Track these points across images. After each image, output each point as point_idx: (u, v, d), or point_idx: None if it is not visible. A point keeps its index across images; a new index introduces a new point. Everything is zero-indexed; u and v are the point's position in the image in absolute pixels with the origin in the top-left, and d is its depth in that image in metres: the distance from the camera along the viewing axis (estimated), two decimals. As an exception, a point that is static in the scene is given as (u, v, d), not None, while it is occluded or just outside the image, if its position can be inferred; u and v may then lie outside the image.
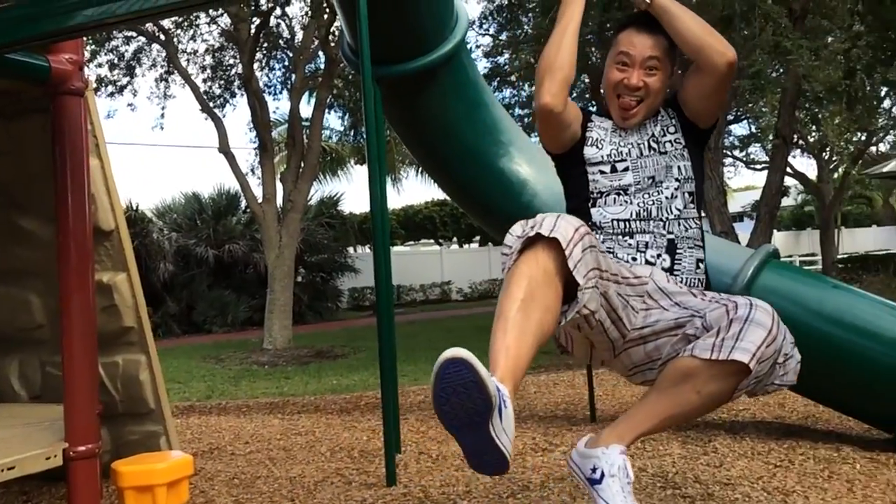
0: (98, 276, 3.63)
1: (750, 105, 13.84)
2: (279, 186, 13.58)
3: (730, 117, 17.18)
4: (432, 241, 32.09)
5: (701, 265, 2.12)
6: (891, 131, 22.82)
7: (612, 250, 2.04)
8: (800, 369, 1.96)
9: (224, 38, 15.02)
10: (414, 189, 45.29)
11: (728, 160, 24.50)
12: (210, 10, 13.88)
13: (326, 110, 14.39)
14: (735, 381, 1.72)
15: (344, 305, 23.85)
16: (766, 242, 8.85)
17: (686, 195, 2.08)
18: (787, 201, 33.27)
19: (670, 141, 2.11)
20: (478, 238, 30.99)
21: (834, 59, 9.25)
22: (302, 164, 13.45)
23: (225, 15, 13.94)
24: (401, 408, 6.68)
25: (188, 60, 15.50)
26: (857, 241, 31.54)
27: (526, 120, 17.06)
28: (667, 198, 2.05)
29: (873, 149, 23.91)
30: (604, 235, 2.07)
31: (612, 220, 2.07)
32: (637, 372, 2.07)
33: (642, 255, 2.03)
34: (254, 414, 7.23)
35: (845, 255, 23.54)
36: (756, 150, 23.84)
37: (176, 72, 14.70)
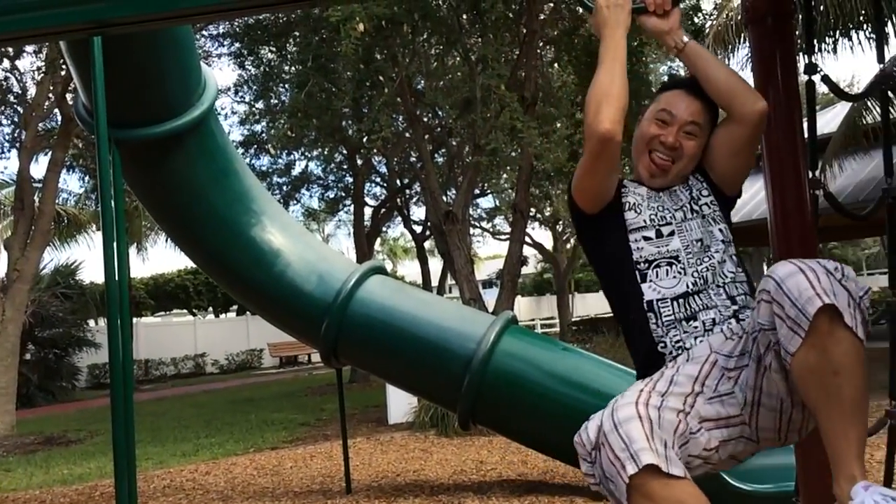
0: None
1: (493, 180, 14.93)
2: (3, 254, 12.18)
3: (476, 191, 18.44)
4: (185, 310, 30.42)
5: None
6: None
7: (681, 343, 1.85)
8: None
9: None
10: (164, 257, 42.68)
11: (476, 231, 26.22)
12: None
13: (64, 171, 13.23)
14: (840, 328, 1.54)
15: (82, 384, 21.68)
16: (509, 308, 9.50)
17: (734, 258, 1.95)
18: (528, 269, 36.09)
19: (706, 204, 1.98)
20: (235, 307, 29.90)
21: (561, 142, 10.36)
22: (32, 230, 12.22)
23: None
24: (143, 495, 6.14)
25: None
26: (588, 305, 34.94)
27: (284, 188, 16.97)
28: (718, 262, 1.91)
29: (599, 223, 26.81)
30: (666, 326, 1.87)
31: (671, 301, 1.88)
32: (787, 427, 1.82)
33: (710, 333, 1.84)
34: (-40, 517, 6.24)
35: (578, 318, 25.98)
36: (500, 222, 25.81)
37: None
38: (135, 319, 23.34)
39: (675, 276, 1.89)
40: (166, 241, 24.37)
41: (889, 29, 10.42)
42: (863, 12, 10.54)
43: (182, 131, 4.79)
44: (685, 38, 1.99)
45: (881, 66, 2.33)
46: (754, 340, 1.70)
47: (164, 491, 6.47)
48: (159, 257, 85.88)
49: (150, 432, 10.53)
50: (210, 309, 30.47)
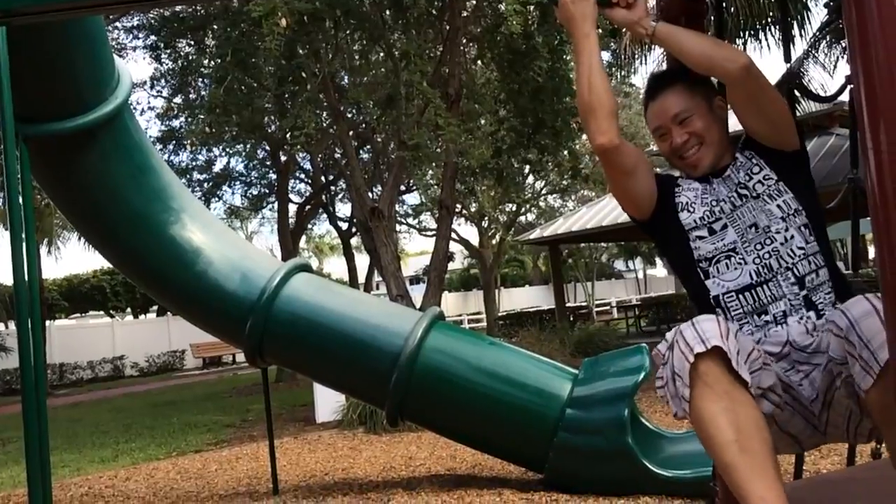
0: None
1: (417, 177, 14.95)
2: None
3: (402, 188, 18.42)
4: (102, 312, 29.38)
5: (840, 298, 1.85)
6: (534, 203, 26.28)
7: (754, 338, 1.81)
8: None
9: None
10: (78, 256, 41.01)
11: (402, 227, 26.21)
12: None
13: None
14: None
15: (-8, 391, 20.75)
16: (436, 304, 9.54)
17: (802, 228, 1.88)
18: (455, 265, 36.31)
19: (759, 182, 1.93)
20: (155, 308, 29.04)
21: (485, 139, 10.46)
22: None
23: None
24: (59, 503, 5.91)
25: None
26: (514, 299, 35.40)
27: (205, 185, 16.56)
28: (782, 242, 1.86)
29: (522, 218, 27.31)
30: (737, 321, 1.85)
31: (737, 294, 1.85)
32: (855, 431, 1.79)
33: (784, 325, 1.81)
34: None
35: (505, 313, 26.31)
36: (427, 218, 25.90)
37: None
38: (48, 322, 22.39)
39: (736, 268, 1.88)
40: (80, 240, 23.48)
41: (795, 30, 10.90)
42: (770, 14, 11.01)
43: (95, 126, 4.62)
44: (653, 23, 1.99)
45: (788, 65, 2.43)
46: (829, 360, 1.68)
47: (82, 499, 6.24)
48: (73, 257, 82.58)
49: (66, 439, 10.12)
50: (128, 310, 29.49)
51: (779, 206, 1.91)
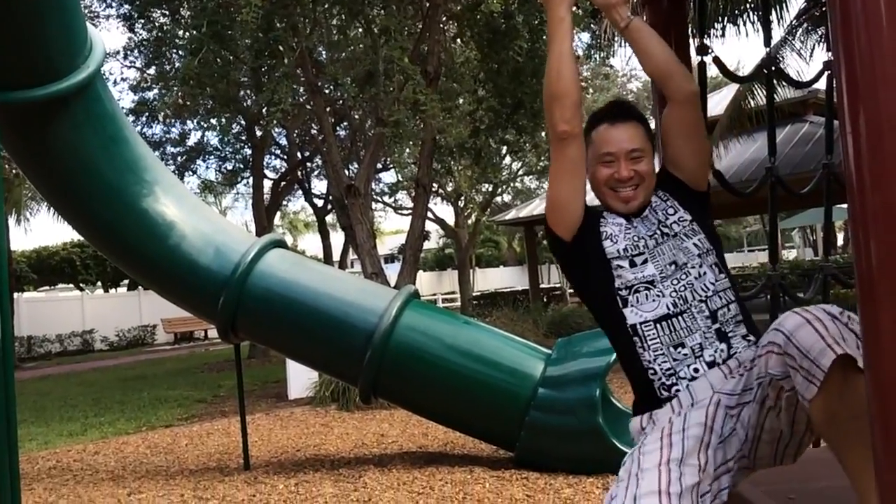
0: None
1: (395, 154, 14.86)
2: None
3: (379, 165, 18.31)
4: (72, 285, 28.96)
5: (750, 337, 1.93)
6: (511, 183, 26.30)
7: (672, 370, 1.86)
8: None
9: None
10: (47, 228, 40.31)
11: (378, 205, 26.10)
12: None
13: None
14: (854, 374, 1.53)
15: (-44, 364, 20.43)
16: (411, 283, 9.53)
17: (713, 266, 1.96)
18: (430, 244, 36.28)
19: (675, 222, 2.00)
20: (126, 282, 28.68)
21: (464, 118, 10.41)
22: None
23: None
24: (25, 477, 5.85)
25: None
26: (488, 279, 35.50)
27: (180, 159, 16.33)
28: (696, 277, 1.93)
29: (499, 199, 27.32)
30: (653, 351, 1.89)
31: (654, 324, 1.90)
32: (783, 453, 1.84)
33: (700, 360, 1.85)
34: None
35: (479, 293, 26.38)
36: (402, 197, 25.80)
37: None
38: (16, 294, 22.04)
39: (654, 300, 1.92)
40: (50, 211, 23.09)
41: (773, 16, 10.96)
42: (749, 0, 11.05)
43: (67, 95, 4.52)
44: (630, 16, 2.02)
45: (767, 49, 2.45)
46: (760, 385, 1.71)
47: (50, 472, 6.19)
48: (43, 229, 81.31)
49: (33, 412, 10.02)
50: (99, 283, 29.11)
51: (695, 244, 1.98)
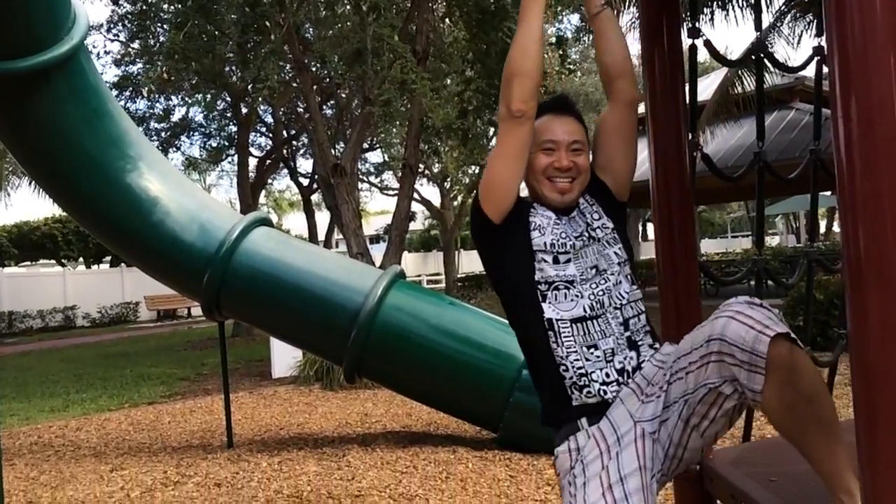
0: None
1: (381, 135, 14.79)
2: None
3: (365, 145, 18.22)
4: (54, 261, 28.70)
5: (655, 346, 1.97)
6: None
7: (583, 371, 1.86)
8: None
9: None
10: (29, 203, 39.88)
11: (364, 185, 26.00)
12: None
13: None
14: (797, 356, 1.56)
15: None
16: (396, 263, 9.51)
17: (628, 276, 1.99)
18: (416, 225, 36.23)
19: (600, 227, 2.02)
20: (108, 258, 28.44)
21: (451, 98, 10.35)
22: None
23: None
24: (6, 452, 5.82)
25: None
26: (473, 261, 35.49)
27: (163, 135, 16.17)
28: (614, 284, 1.95)
29: (486, 180, 27.22)
30: (566, 348, 1.89)
31: (570, 323, 1.90)
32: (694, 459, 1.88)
33: (611, 365, 1.87)
34: None
35: (464, 275, 26.41)
36: (389, 177, 25.69)
37: None
38: (-4, 269, 21.86)
39: (572, 300, 1.92)
40: (31, 185, 22.85)
41: (762, 1, 10.95)
42: (739, -15, 11.05)
43: (49, 67, 4.46)
44: (604, 4, 2.03)
45: (757, 33, 2.44)
46: (686, 402, 1.73)
47: (31, 448, 6.16)
48: (23, 203, 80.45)
49: (14, 388, 9.97)
50: (81, 259, 28.88)
51: (615, 252, 2.00)
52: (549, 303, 1.92)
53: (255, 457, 5.33)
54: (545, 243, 1.96)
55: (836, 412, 1.67)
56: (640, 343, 1.91)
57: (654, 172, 2.30)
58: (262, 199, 25.55)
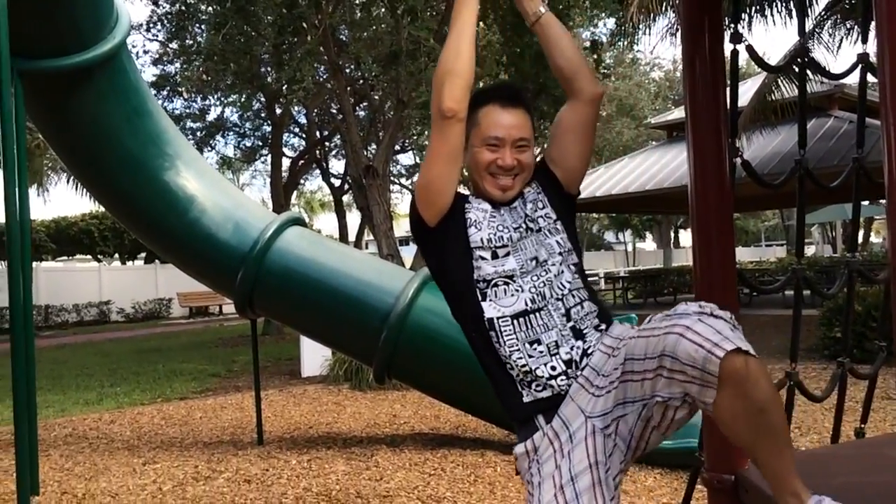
0: None
1: (415, 137, 14.84)
2: None
3: (397, 147, 18.28)
4: (90, 256, 29.23)
5: (601, 327, 1.95)
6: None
7: (528, 368, 1.84)
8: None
9: None
10: (66, 199, 40.62)
11: (396, 187, 26.10)
12: None
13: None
14: (752, 366, 1.56)
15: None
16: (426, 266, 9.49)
17: (571, 266, 1.97)
18: (446, 227, 36.16)
19: (542, 216, 1.99)
20: (143, 255, 28.90)
21: (485, 102, 10.33)
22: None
23: None
24: (42, 443, 5.93)
25: None
26: (503, 265, 35.47)
27: (199, 134, 16.39)
28: (555, 275, 1.92)
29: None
30: (508, 347, 1.87)
31: (511, 319, 1.88)
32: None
33: (557, 357, 1.85)
34: None
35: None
36: (421, 179, 25.64)
37: None
38: (34, 263, 22.29)
39: (512, 295, 1.90)
40: (69, 181, 23.30)
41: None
42: (780, -10, 10.90)
43: (92, 65, 4.54)
44: (542, 9, 2.01)
45: (800, 38, 2.41)
46: (645, 405, 1.72)
47: (66, 440, 6.28)
48: (61, 199, 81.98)
49: (50, 380, 10.16)
50: (116, 255, 29.36)
51: (557, 241, 1.98)
52: (490, 300, 1.90)
53: (285, 454, 5.37)
54: (482, 239, 1.94)
55: (786, 418, 1.69)
56: (584, 330, 1.90)
57: (693, 178, 2.26)
58: (293, 199, 25.78)
